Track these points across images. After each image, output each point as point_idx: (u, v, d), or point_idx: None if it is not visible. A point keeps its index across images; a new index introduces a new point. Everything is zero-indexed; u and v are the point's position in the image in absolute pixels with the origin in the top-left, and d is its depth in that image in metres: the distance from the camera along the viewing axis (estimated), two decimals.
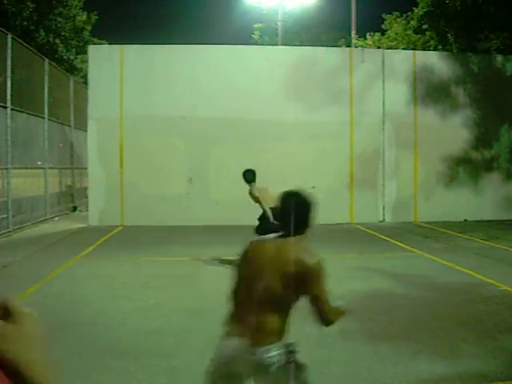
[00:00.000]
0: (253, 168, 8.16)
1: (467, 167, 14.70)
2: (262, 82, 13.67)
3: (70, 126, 16.68)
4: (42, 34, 19.34)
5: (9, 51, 11.51)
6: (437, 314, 5.71)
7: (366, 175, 14.17)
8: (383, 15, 24.38)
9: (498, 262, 8.74)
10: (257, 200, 7.86)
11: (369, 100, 14.19)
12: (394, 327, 5.26)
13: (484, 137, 14.76)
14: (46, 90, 14.13)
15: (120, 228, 12.94)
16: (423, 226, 13.26)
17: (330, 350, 4.65)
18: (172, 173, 13.55)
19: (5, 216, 11.44)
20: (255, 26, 30.08)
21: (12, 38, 11.76)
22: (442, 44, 18.90)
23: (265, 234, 6.17)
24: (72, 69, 21.28)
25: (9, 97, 11.43)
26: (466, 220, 14.22)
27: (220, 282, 7.24)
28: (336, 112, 13.98)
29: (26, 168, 12.82)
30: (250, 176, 8.09)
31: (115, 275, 7.61)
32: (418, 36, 21.20)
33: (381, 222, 14.16)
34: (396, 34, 23.14)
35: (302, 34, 27.63)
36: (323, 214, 15.61)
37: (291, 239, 2.60)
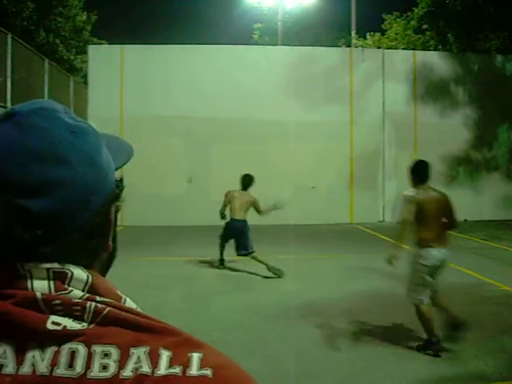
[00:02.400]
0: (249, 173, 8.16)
1: (467, 167, 14.70)
2: (261, 82, 13.67)
3: None
4: (42, 34, 19.31)
5: (9, 51, 11.51)
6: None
7: (365, 175, 14.17)
8: (383, 15, 24.37)
9: (498, 262, 8.74)
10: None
11: (369, 100, 14.19)
12: (394, 327, 5.26)
13: (484, 136, 14.75)
14: (45, 90, 14.13)
15: (120, 228, 12.92)
16: None
17: (330, 350, 4.65)
18: (172, 173, 13.54)
19: None
20: (255, 26, 30.06)
21: (12, 37, 11.76)
22: (442, 44, 18.88)
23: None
24: (72, 69, 21.25)
25: (9, 97, 11.43)
26: (466, 220, 14.20)
27: (220, 282, 7.25)
28: (336, 112, 13.98)
29: None
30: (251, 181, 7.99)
31: (115, 275, 7.54)
32: (418, 36, 21.18)
33: (381, 221, 14.15)
34: (396, 34, 23.12)
35: (302, 33, 27.60)
36: (323, 214, 15.47)
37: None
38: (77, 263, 0.63)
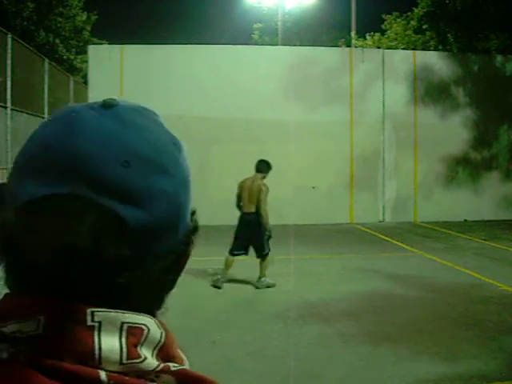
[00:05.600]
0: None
1: (467, 167, 14.70)
2: (261, 82, 13.67)
3: None
4: (42, 34, 19.30)
5: (9, 51, 11.50)
6: (436, 315, 5.71)
7: (365, 175, 14.16)
8: (383, 15, 24.36)
9: (498, 262, 8.73)
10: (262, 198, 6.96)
11: (369, 100, 14.19)
12: (394, 328, 5.26)
13: (484, 137, 14.75)
14: (45, 90, 14.12)
15: None
16: (423, 226, 13.25)
17: (330, 350, 4.65)
18: None
19: None
20: (255, 26, 30.05)
21: (12, 37, 11.75)
22: (442, 44, 18.87)
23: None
24: (72, 69, 21.26)
25: (9, 97, 11.43)
26: (466, 220, 14.21)
27: None
28: (336, 112, 13.97)
29: None
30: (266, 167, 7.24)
31: None
32: (418, 36, 21.18)
33: (381, 222, 14.15)
34: (396, 34, 23.11)
35: (302, 33, 27.60)
36: (323, 214, 15.55)
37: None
38: (147, 307, 0.52)
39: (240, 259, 8.62)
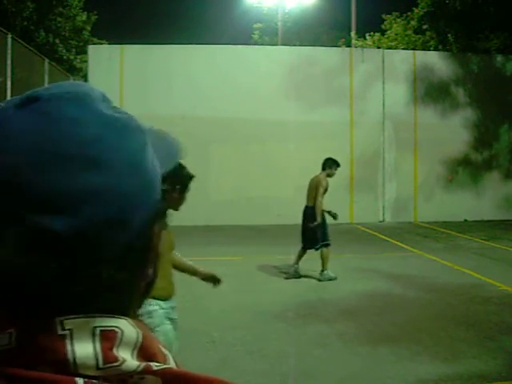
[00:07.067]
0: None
1: (467, 167, 14.71)
2: (261, 82, 13.67)
3: None
4: (42, 34, 19.28)
5: (9, 51, 11.50)
6: (436, 315, 5.71)
7: (365, 175, 14.17)
8: (383, 15, 24.35)
9: (498, 262, 8.74)
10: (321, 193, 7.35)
11: (369, 100, 14.19)
12: (394, 328, 5.26)
13: (484, 137, 14.76)
14: None
15: None
16: (423, 226, 13.25)
17: (329, 350, 4.65)
18: None
19: None
20: (255, 26, 30.04)
21: (12, 37, 11.75)
22: (442, 44, 18.88)
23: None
24: (72, 69, 21.24)
25: (9, 97, 11.43)
26: (466, 220, 14.21)
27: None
28: (336, 112, 13.98)
29: None
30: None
31: None
32: (418, 36, 21.17)
33: (381, 222, 14.15)
34: (396, 34, 23.10)
35: (302, 33, 27.59)
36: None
37: None
38: (113, 307, 0.50)
39: (231, 259, 8.64)
